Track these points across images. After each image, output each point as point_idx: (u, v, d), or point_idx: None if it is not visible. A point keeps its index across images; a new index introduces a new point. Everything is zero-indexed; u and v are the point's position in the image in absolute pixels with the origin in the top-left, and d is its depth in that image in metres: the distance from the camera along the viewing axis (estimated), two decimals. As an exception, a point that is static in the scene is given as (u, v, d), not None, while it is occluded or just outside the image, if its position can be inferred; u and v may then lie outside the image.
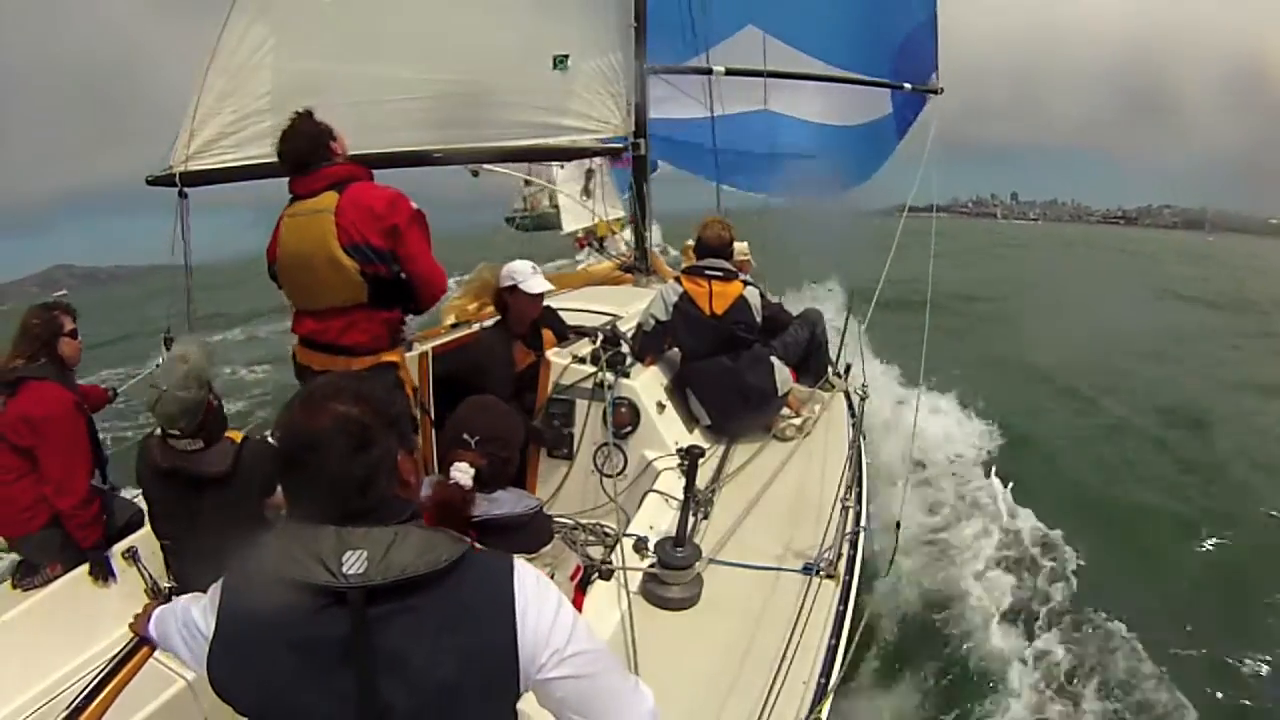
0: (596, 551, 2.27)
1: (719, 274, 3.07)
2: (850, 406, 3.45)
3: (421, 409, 2.65)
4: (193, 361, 1.98)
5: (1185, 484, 5.46)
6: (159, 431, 2.02)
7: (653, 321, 3.08)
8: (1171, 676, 3.16)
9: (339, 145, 2.19)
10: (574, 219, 8.93)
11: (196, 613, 0.99)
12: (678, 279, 3.18)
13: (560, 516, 2.61)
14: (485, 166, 3.99)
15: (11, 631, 2.08)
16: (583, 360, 2.92)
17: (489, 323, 3.16)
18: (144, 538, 2.32)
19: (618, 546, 2.15)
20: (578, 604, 1.87)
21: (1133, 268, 26.13)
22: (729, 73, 4.70)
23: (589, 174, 6.21)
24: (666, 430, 2.87)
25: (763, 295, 3.15)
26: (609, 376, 2.80)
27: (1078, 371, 8.27)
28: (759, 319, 3.09)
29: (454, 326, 3.40)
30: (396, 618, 0.83)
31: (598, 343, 3.00)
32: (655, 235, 5.09)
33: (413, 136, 3.27)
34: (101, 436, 2.51)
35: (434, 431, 2.62)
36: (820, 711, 1.64)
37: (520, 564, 0.92)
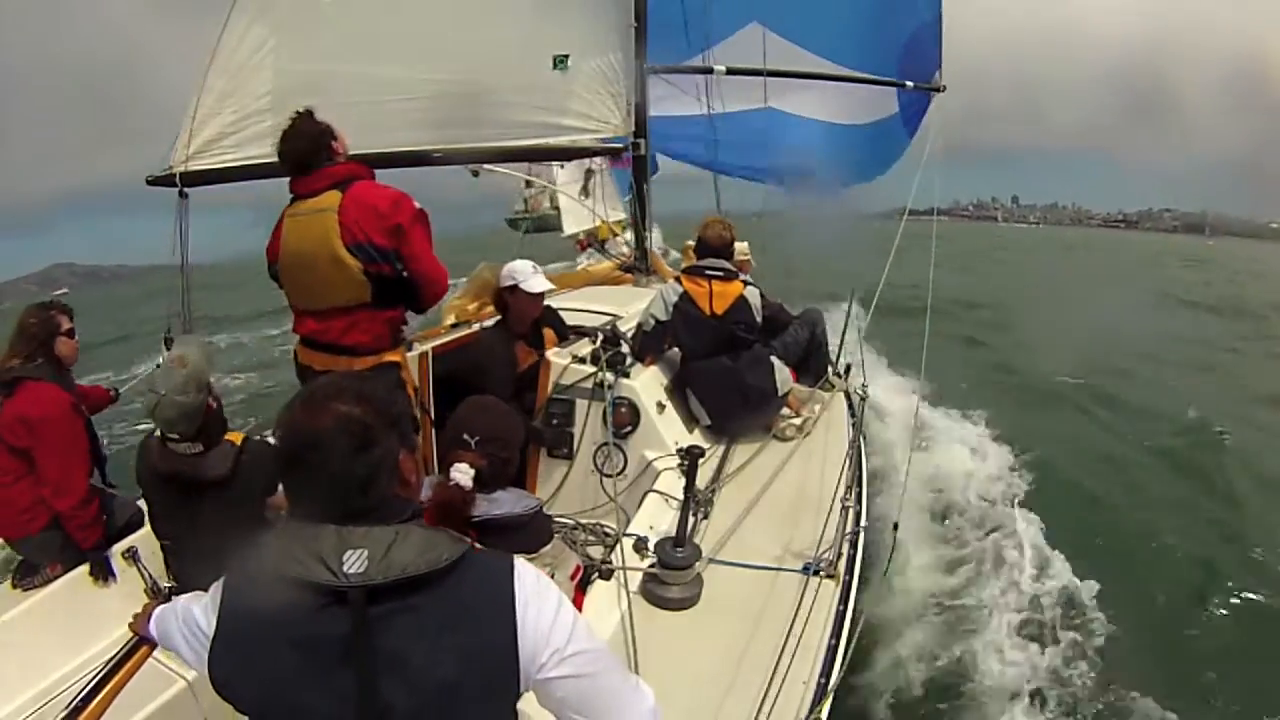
0: (596, 551, 2.27)
1: (719, 274, 3.07)
2: (850, 406, 3.45)
3: (421, 409, 2.65)
4: (191, 365, 1.97)
5: (1206, 518, 4.93)
6: (158, 434, 2.02)
7: (653, 321, 3.08)
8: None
9: (340, 145, 2.19)
10: (575, 221, 8.94)
11: (198, 611, 0.99)
12: (678, 279, 3.18)
13: (560, 516, 2.61)
14: (485, 167, 3.99)
15: (11, 631, 2.07)
16: (583, 360, 2.92)
17: (489, 323, 3.17)
18: (144, 538, 2.32)
19: (618, 546, 2.15)
20: (578, 604, 1.87)
21: (1137, 273, 25.75)
22: (730, 72, 4.70)
23: (588, 174, 6.21)
24: (666, 430, 2.87)
25: (763, 295, 3.15)
26: (609, 376, 2.80)
27: (1086, 386, 7.94)
28: (759, 319, 3.09)
29: (454, 326, 3.40)
30: (397, 617, 0.83)
31: (598, 343, 3.00)
32: (655, 237, 5.09)
33: (413, 136, 3.27)
34: (103, 438, 2.51)
35: (434, 431, 2.62)
36: (820, 711, 1.63)
37: (520, 563, 0.92)
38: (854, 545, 2.30)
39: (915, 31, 5.08)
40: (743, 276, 3.16)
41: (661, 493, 2.48)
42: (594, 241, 7.03)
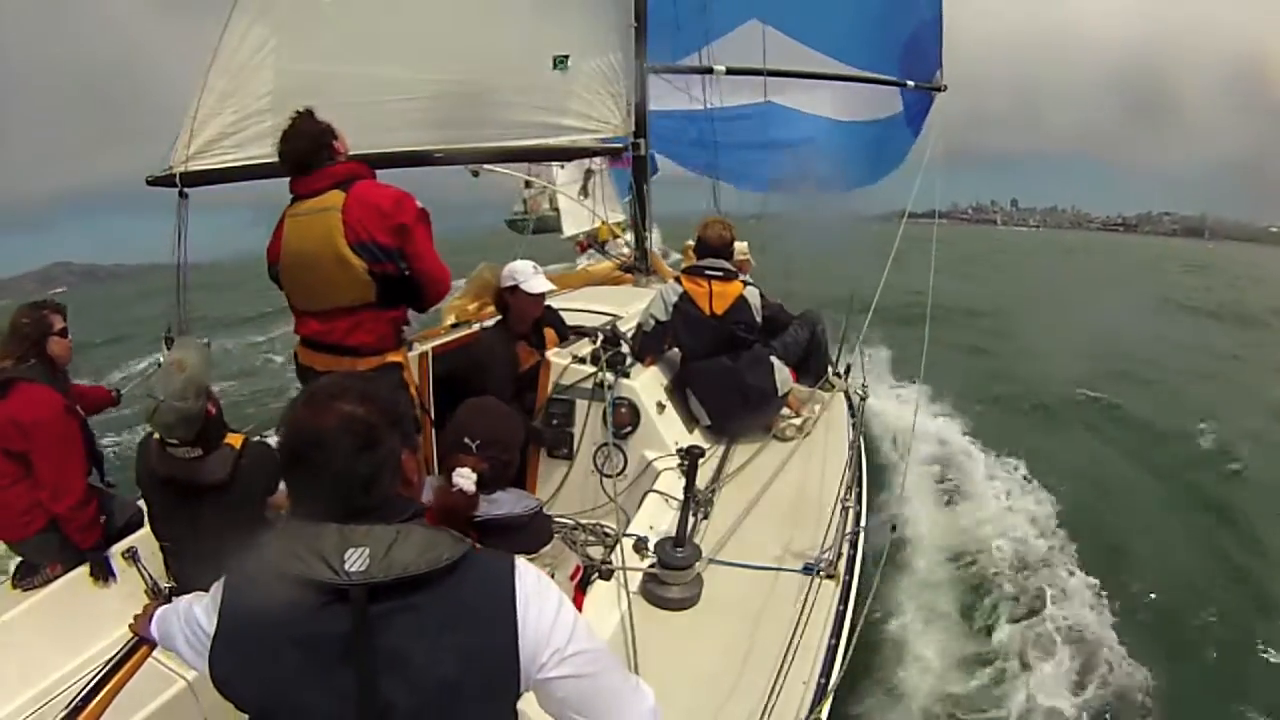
0: (596, 551, 2.27)
1: (719, 274, 3.07)
2: (850, 406, 3.45)
3: (422, 409, 2.65)
4: (190, 370, 1.95)
5: (1225, 554, 4.59)
6: (157, 436, 2.01)
7: (653, 321, 3.08)
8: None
9: (341, 145, 2.19)
10: (574, 222, 8.92)
11: (199, 610, 0.99)
12: (677, 279, 3.18)
13: (560, 516, 2.61)
14: (485, 167, 3.99)
15: (11, 631, 2.07)
16: (583, 360, 2.92)
17: (489, 323, 3.17)
18: (144, 538, 2.31)
19: (618, 546, 2.15)
20: (577, 604, 1.87)
21: (1138, 277, 25.49)
22: (730, 72, 4.70)
23: (588, 174, 6.21)
24: (666, 430, 2.87)
25: (762, 295, 3.16)
26: (609, 376, 2.80)
27: (1093, 399, 7.70)
28: (759, 319, 3.09)
29: (454, 326, 3.40)
30: (398, 615, 0.83)
31: (598, 343, 3.01)
32: (654, 238, 5.09)
33: (413, 137, 3.27)
34: (106, 438, 2.49)
35: (434, 431, 2.62)
36: (820, 711, 1.64)
37: (521, 563, 0.93)
38: (854, 545, 2.30)
39: (916, 29, 5.06)
40: (742, 277, 3.16)
41: (661, 493, 2.48)
42: (594, 243, 7.02)
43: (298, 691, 0.84)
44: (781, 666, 1.73)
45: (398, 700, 0.82)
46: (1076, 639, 3.47)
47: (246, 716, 0.90)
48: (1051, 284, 20.83)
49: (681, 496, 2.39)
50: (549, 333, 3.06)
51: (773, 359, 3.11)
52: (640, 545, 2.17)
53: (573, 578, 2.06)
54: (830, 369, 3.74)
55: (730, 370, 3.02)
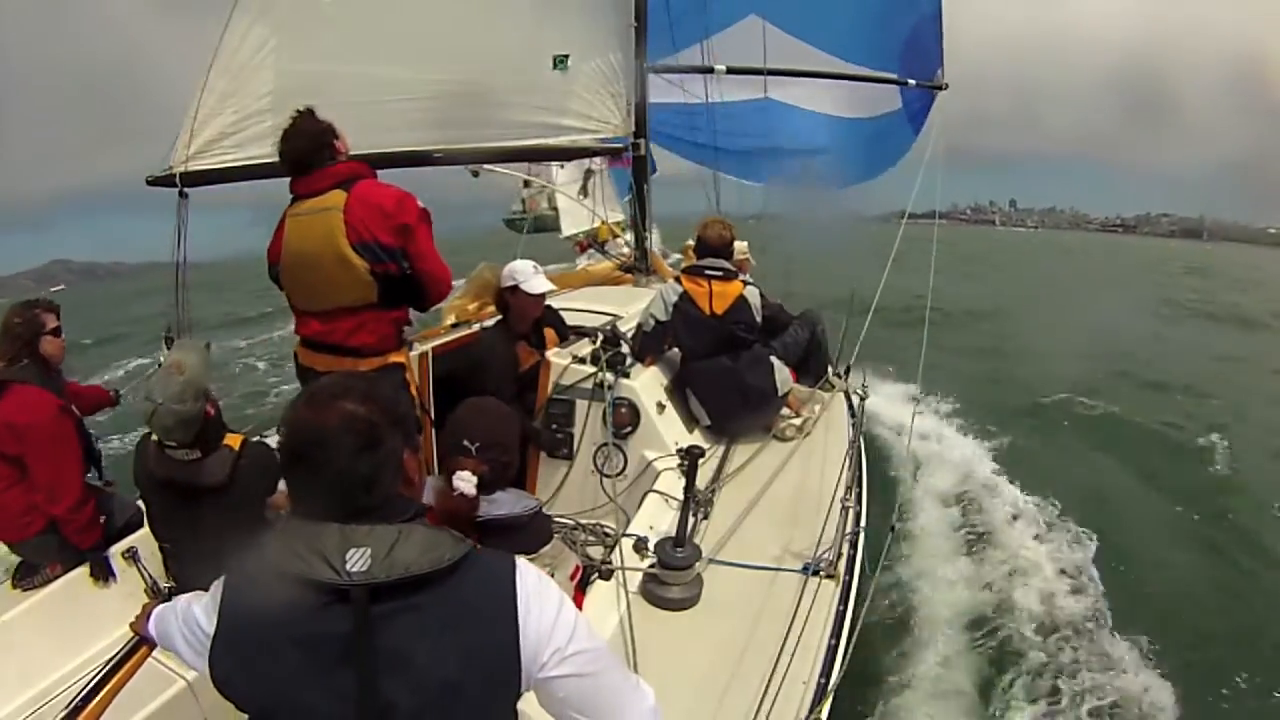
0: (596, 551, 2.28)
1: (719, 274, 3.07)
2: (850, 407, 3.45)
3: (422, 409, 2.65)
4: (188, 373, 1.94)
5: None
6: (155, 438, 2.00)
7: (653, 321, 3.08)
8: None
9: (341, 145, 2.19)
10: (573, 222, 8.92)
11: (198, 610, 0.99)
12: (677, 279, 3.18)
13: (560, 516, 2.61)
14: (485, 167, 3.99)
15: (11, 631, 2.07)
16: (583, 360, 2.92)
17: (489, 322, 3.17)
18: (144, 538, 2.31)
19: (618, 546, 2.15)
20: (577, 604, 1.87)
21: (1138, 279, 25.24)
22: (730, 71, 4.69)
23: (588, 174, 6.21)
24: (666, 430, 2.87)
25: (762, 295, 3.15)
26: (609, 376, 2.80)
27: (1099, 411, 7.39)
28: (759, 319, 3.09)
29: (454, 326, 3.40)
30: (399, 616, 0.83)
31: (598, 343, 3.00)
32: (654, 239, 5.09)
33: (413, 137, 3.27)
34: (106, 443, 2.48)
35: (434, 431, 2.63)
36: (820, 711, 1.64)
37: (522, 563, 0.93)
38: (854, 545, 2.30)
39: (916, 26, 5.04)
40: (742, 276, 3.16)
41: (661, 493, 2.48)
42: (594, 243, 7.01)
43: (298, 691, 0.83)
44: (781, 666, 1.73)
45: (399, 700, 0.82)
46: (1075, 627, 3.50)
47: (246, 716, 0.90)
48: (1052, 284, 20.72)
49: (681, 496, 2.38)
50: (549, 333, 3.06)
51: (773, 359, 3.10)
52: (640, 545, 2.16)
53: (572, 577, 2.07)
54: (830, 369, 3.74)
55: (730, 370, 3.02)
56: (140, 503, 2.28)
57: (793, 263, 5.24)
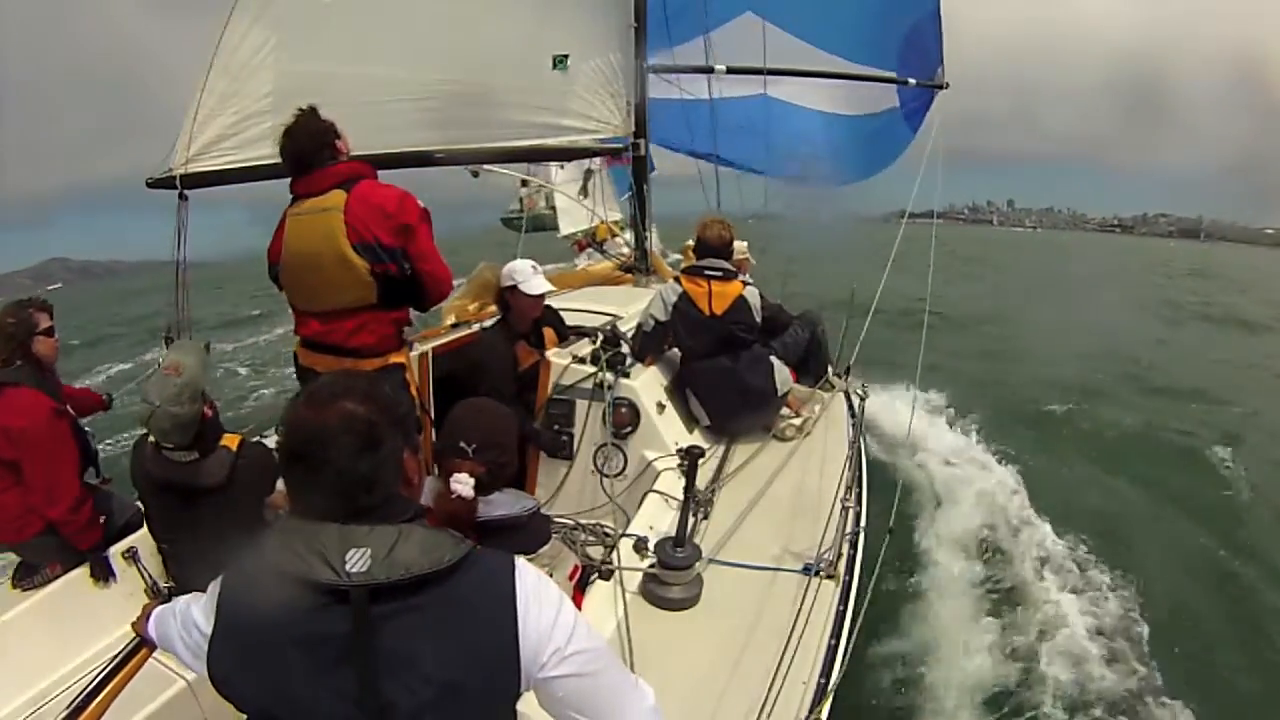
0: (596, 552, 2.28)
1: (718, 274, 3.07)
2: (850, 407, 3.45)
3: (422, 409, 2.65)
4: (185, 375, 1.93)
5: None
6: (152, 439, 1.99)
7: (652, 322, 3.08)
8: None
9: (343, 145, 2.19)
10: (571, 221, 8.92)
11: (196, 611, 0.99)
12: (677, 279, 3.18)
13: (560, 517, 2.61)
14: (486, 167, 3.99)
15: (11, 631, 2.07)
16: (583, 360, 2.92)
17: (489, 322, 3.17)
18: (144, 538, 2.31)
19: (617, 547, 2.16)
20: (576, 604, 1.87)
21: (1139, 281, 24.89)
22: (731, 71, 4.68)
23: (587, 174, 6.20)
24: (666, 430, 2.87)
25: (762, 295, 3.16)
26: (609, 377, 2.81)
27: (1112, 419, 7.12)
28: (758, 319, 3.09)
29: (454, 326, 3.40)
30: (399, 616, 0.83)
31: (598, 343, 3.01)
32: (653, 238, 5.07)
33: (413, 137, 3.27)
34: (105, 438, 2.46)
35: (434, 432, 2.63)
36: (820, 711, 1.64)
37: (521, 563, 0.93)
38: (854, 545, 2.30)
39: (915, 24, 5.02)
40: (742, 277, 3.16)
41: (661, 493, 2.48)
42: (592, 242, 7.00)
43: (298, 692, 0.83)
44: (781, 666, 1.73)
45: (399, 700, 0.82)
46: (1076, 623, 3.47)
47: (246, 717, 0.90)
48: (1053, 284, 20.50)
49: (681, 496, 2.39)
50: (548, 332, 3.06)
51: (772, 359, 3.10)
52: (640, 545, 2.16)
53: (571, 577, 2.07)
54: (830, 369, 3.74)
55: (730, 370, 3.02)
56: (139, 503, 2.28)
57: (793, 263, 5.23)
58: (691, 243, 3.76)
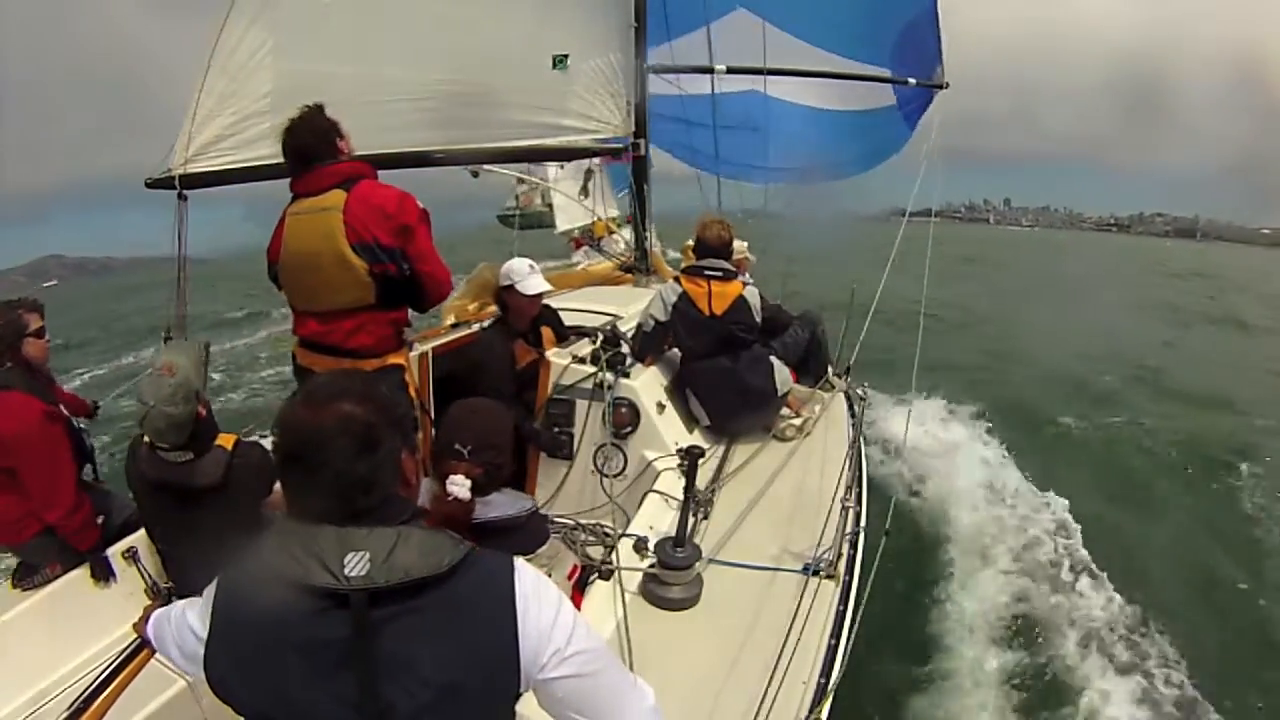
0: (596, 552, 2.28)
1: (718, 274, 3.07)
2: (850, 407, 3.45)
3: (422, 409, 2.65)
4: (180, 375, 1.92)
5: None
6: (147, 440, 1.98)
7: (652, 322, 3.08)
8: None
9: (345, 145, 2.18)
10: (568, 218, 8.92)
11: (192, 615, 0.98)
12: (677, 279, 3.18)
13: (560, 516, 2.62)
14: (485, 167, 3.98)
15: (11, 631, 2.07)
16: (583, 360, 2.92)
17: (489, 322, 3.17)
18: (143, 538, 2.31)
19: (617, 547, 2.15)
20: (575, 604, 1.87)
21: (1140, 282, 24.46)
22: (731, 71, 4.67)
23: (588, 174, 6.19)
24: (666, 430, 2.87)
25: (762, 295, 3.15)
26: (609, 377, 2.80)
27: (1127, 422, 7.09)
28: (758, 319, 3.09)
29: (454, 326, 3.40)
30: (399, 620, 0.82)
31: (598, 343, 3.00)
32: (651, 237, 5.06)
33: (413, 137, 3.26)
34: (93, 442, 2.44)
35: (435, 432, 2.62)
36: (820, 711, 1.64)
37: (520, 564, 0.92)
38: (854, 546, 2.30)
39: (910, 22, 5.00)
40: (742, 277, 3.15)
41: (661, 493, 2.48)
42: (589, 239, 6.99)
43: (296, 696, 0.83)
44: (781, 666, 1.73)
45: (398, 703, 0.82)
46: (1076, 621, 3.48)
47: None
48: (1052, 284, 20.35)
49: (681, 496, 2.39)
50: (546, 331, 3.06)
51: (772, 359, 3.10)
52: (640, 545, 2.17)
53: (570, 577, 2.07)
54: (830, 369, 3.75)
55: (730, 370, 3.02)
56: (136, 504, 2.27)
57: (793, 262, 5.22)
58: (691, 243, 3.76)
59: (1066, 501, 4.86)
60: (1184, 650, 3.46)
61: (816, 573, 2.10)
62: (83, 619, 2.15)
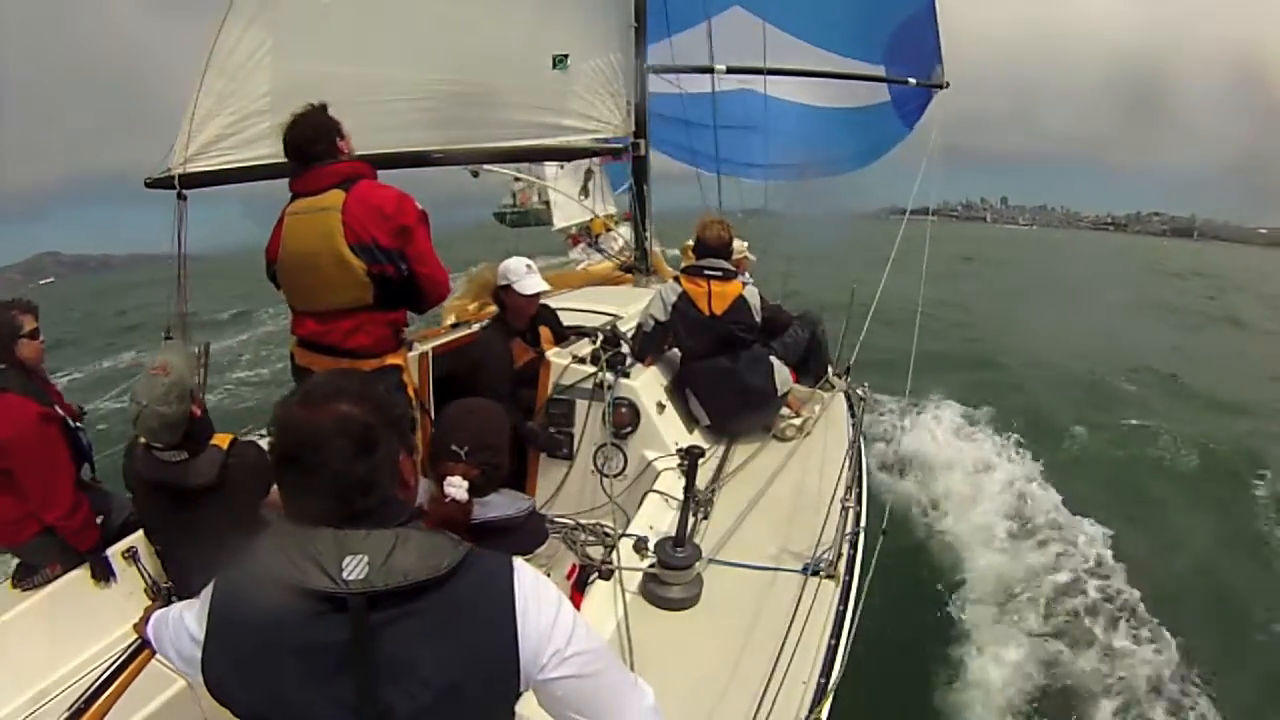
0: (596, 551, 2.28)
1: (718, 274, 3.06)
2: (850, 407, 3.45)
3: (421, 409, 2.65)
4: (173, 374, 1.92)
5: None
6: (143, 440, 1.98)
7: (652, 322, 3.08)
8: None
9: (345, 144, 2.18)
10: (565, 215, 8.93)
11: (189, 617, 0.97)
12: (676, 279, 3.18)
13: (560, 516, 2.62)
14: (485, 167, 3.98)
15: (11, 631, 2.07)
16: (583, 360, 2.92)
17: (488, 320, 3.17)
18: (143, 538, 2.31)
19: (617, 547, 2.16)
20: (575, 603, 1.87)
21: (1140, 282, 24.33)
22: (731, 71, 4.67)
23: (588, 174, 6.18)
24: (666, 430, 2.87)
25: (761, 295, 3.16)
26: (609, 377, 2.80)
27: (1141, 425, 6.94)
28: (758, 319, 3.09)
29: (454, 326, 3.40)
30: (398, 623, 0.82)
31: (598, 343, 3.00)
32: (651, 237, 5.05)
33: (412, 137, 3.26)
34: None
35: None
36: (820, 711, 1.64)
37: (520, 564, 0.92)
38: (854, 545, 2.30)
39: (907, 19, 5.00)
40: (742, 277, 3.15)
41: (661, 493, 2.48)
42: (587, 236, 6.99)
43: (294, 699, 0.82)
44: (781, 666, 1.73)
45: (398, 705, 0.82)
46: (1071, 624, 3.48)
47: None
48: (1052, 284, 20.28)
49: (681, 496, 2.39)
50: (544, 331, 3.06)
51: (772, 359, 3.10)
52: (640, 545, 2.17)
53: (569, 576, 2.07)
54: (830, 369, 3.75)
55: (730, 370, 3.02)
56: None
57: (793, 262, 5.22)
58: (691, 242, 3.76)
59: (1061, 497, 4.87)
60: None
61: (816, 573, 2.10)
62: (83, 619, 2.15)
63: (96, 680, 1.48)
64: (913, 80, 4.99)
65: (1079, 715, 3.05)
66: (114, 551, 2.29)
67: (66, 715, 1.42)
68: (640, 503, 2.44)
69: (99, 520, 2.31)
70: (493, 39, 3.43)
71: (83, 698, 1.45)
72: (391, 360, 2.28)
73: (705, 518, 2.44)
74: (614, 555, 2.11)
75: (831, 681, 1.74)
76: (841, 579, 2.10)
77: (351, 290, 2.13)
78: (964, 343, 10.63)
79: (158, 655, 1.33)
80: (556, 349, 3.03)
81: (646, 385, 2.93)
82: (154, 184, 2.68)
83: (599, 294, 4.19)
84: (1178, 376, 9.15)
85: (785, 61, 4.90)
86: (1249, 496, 5.36)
